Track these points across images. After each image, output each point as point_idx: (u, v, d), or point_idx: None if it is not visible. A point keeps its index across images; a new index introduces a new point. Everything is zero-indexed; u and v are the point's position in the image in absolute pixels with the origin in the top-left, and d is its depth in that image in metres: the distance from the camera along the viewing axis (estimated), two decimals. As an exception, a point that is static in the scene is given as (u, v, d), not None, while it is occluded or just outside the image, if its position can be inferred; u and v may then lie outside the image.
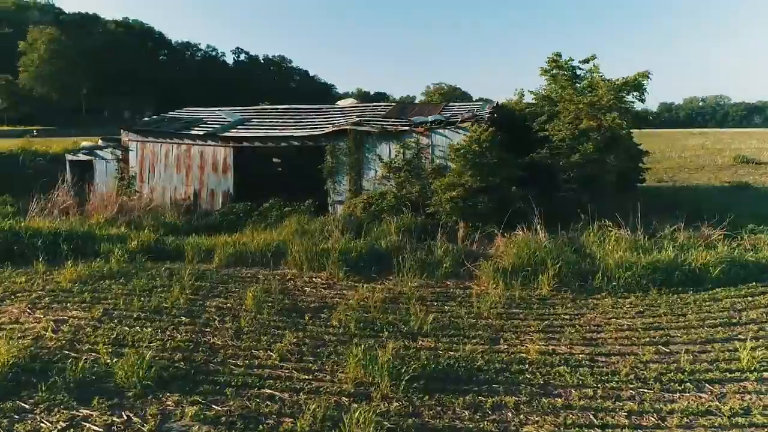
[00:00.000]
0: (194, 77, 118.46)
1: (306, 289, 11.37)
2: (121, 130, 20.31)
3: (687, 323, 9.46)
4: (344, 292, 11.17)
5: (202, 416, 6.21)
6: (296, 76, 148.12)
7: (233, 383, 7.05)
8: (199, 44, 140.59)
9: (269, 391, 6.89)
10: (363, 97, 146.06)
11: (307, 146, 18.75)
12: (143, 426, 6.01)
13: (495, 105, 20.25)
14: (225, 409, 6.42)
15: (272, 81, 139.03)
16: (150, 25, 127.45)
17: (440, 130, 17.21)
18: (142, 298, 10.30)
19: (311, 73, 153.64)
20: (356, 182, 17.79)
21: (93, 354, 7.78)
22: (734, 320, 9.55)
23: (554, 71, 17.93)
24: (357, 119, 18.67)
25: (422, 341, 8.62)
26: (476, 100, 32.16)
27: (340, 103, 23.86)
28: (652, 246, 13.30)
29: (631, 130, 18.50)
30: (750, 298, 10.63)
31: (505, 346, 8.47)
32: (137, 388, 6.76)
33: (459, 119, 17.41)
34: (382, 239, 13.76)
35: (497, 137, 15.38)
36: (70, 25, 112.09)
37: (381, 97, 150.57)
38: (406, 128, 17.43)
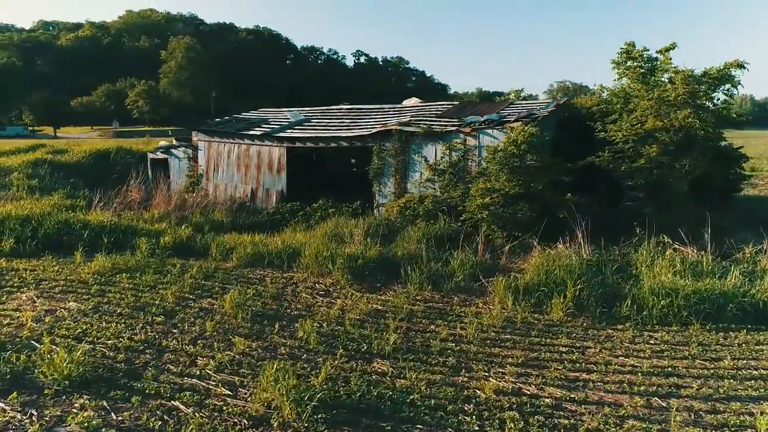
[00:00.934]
0: (315, 80, 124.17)
1: (302, 295, 10.98)
2: (192, 131, 21.55)
3: (712, 371, 7.61)
4: (337, 300, 10.61)
5: (87, 424, 6.05)
6: (413, 77, 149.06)
7: (147, 391, 6.85)
8: (322, 48, 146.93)
9: (176, 403, 6.57)
10: (482, 96, 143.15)
11: (357, 147, 18.40)
12: (30, 426, 5.99)
13: (559, 103, 18.36)
14: (119, 418, 6.22)
15: (389, 82, 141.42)
16: (278, 32, 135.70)
17: (489, 131, 15.92)
18: (137, 294, 10.61)
19: (428, 74, 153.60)
20: (401, 184, 17.09)
21: (50, 346, 8.04)
22: (780, 373, 7.51)
23: (628, 63, 15.73)
24: (406, 119, 17.95)
25: (376, 364, 7.82)
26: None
27: (406, 102, 23.18)
28: (715, 270, 11.08)
29: (723, 132, 15.74)
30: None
31: (464, 379, 7.38)
32: (56, 387, 6.81)
33: (512, 119, 15.97)
34: (400, 247, 12.97)
35: (541, 138, 13.84)
36: (208, 34, 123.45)
37: (498, 96, 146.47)
38: (453, 128, 16.37)
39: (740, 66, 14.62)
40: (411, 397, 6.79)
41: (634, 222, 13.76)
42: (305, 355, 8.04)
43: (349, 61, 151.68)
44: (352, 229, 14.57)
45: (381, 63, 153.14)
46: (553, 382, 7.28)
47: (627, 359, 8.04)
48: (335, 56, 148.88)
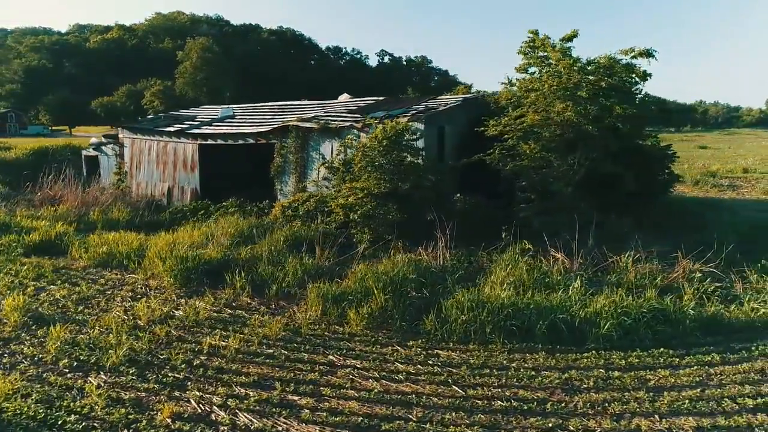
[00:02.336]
0: (338, 79, 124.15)
1: (116, 299, 10.33)
2: (119, 128, 21.29)
3: (458, 401, 6.54)
4: (140, 304, 9.85)
5: None
6: (435, 76, 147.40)
7: None
8: (345, 48, 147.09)
9: None
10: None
11: (265, 144, 17.67)
12: None
13: (468, 98, 17.19)
14: None
15: (411, 81, 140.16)
16: (301, 32, 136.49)
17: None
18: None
19: (451, 73, 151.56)
20: (300, 183, 16.28)
21: None
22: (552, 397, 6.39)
23: (531, 53, 14.45)
24: (313, 115, 17.12)
25: (93, 377, 7.07)
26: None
27: (340, 98, 22.33)
28: (563, 282, 9.86)
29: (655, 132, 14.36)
30: (631, 372, 7.17)
31: (163, 398, 6.54)
32: None
33: (405, 114, 14.94)
34: (246, 250, 12.17)
35: (423, 134, 12.82)
36: (231, 35, 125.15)
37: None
38: (347, 124, 15.44)
39: (648, 54, 13.19)
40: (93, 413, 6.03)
41: (526, 225, 12.63)
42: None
43: (373, 61, 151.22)
44: (223, 229, 13.87)
45: (404, 63, 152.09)
46: (256, 407, 6.37)
47: (376, 382, 7.02)
48: (358, 56, 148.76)
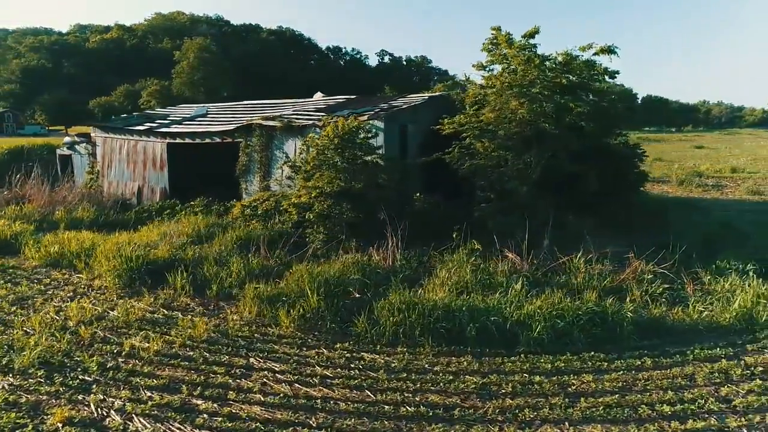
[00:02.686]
0: (338, 79, 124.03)
1: (54, 299, 10.16)
2: (91, 127, 21.14)
3: (353, 405, 6.32)
4: (72, 305, 9.69)
5: None
6: (435, 76, 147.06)
7: None
8: (345, 48, 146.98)
9: None
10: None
11: (233, 143, 17.47)
12: None
13: (434, 96, 16.96)
14: None
15: (411, 81, 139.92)
16: (300, 32, 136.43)
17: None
18: None
19: (451, 72, 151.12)
20: (264, 182, 16.08)
21: None
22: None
23: (494, 50, 14.20)
24: (275, 114, 16.93)
25: (-3, 380, 6.89)
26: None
27: (315, 96, 22.13)
28: (504, 284, 9.62)
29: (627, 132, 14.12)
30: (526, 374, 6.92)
31: (63, 402, 6.35)
32: None
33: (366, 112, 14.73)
34: (194, 249, 11.98)
35: (364, 133, 12.62)
36: (231, 35, 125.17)
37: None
38: (310, 123, 15.23)
39: (609, 51, 12.93)
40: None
41: (483, 225, 12.42)
42: None
43: (373, 61, 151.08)
44: (180, 229, 13.70)
45: (404, 62, 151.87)
46: (154, 411, 6.16)
47: (288, 386, 6.80)
48: (358, 56, 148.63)
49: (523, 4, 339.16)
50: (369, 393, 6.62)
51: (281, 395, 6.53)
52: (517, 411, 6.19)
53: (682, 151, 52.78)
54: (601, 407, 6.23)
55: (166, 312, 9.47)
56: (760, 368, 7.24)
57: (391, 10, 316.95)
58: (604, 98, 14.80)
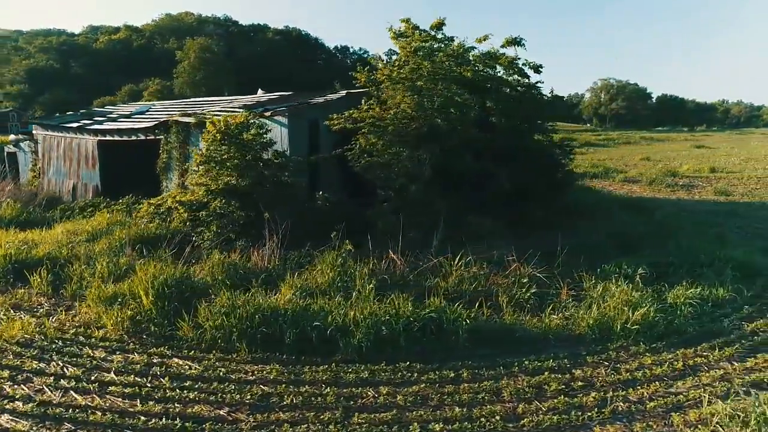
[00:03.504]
0: (344, 79, 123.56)
1: None
2: (33, 124, 21.08)
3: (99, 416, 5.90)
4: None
5: None
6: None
7: None
8: (352, 47, 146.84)
9: None
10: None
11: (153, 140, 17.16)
12: None
13: (350, 92, 16.48)
14: None
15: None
16: (307, 32, 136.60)
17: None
18: None
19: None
20: (181, 179, 15.76)
21: None
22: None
23: (402, 41, 13.72)
24: (204, 110, 16.60)
25: None
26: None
27: (258, 92, 21.76)
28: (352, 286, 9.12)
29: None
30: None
31: None
32: None
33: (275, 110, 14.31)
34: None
35: (255, 129, 12.20)
36: (237, 35, 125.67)
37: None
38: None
39: (515, 43, 12.35)
40: None
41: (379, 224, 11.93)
42: None
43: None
44: (81, 226, 13.46)
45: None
46: None
47: (50, 393, 6.41)
48: (366, 55, 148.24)
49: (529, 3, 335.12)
50: (138, 402, 6.20)
51: (39, 402, 6.13)
52: (275, 426, 5.71)
53: (679, 150, 51.32)
54: (367, 424, 5.72)
55: (8, 312, 9.15)
56: (581, 383, 6.67)
57: (400, 9, 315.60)
58: (525, 94, 14.22)
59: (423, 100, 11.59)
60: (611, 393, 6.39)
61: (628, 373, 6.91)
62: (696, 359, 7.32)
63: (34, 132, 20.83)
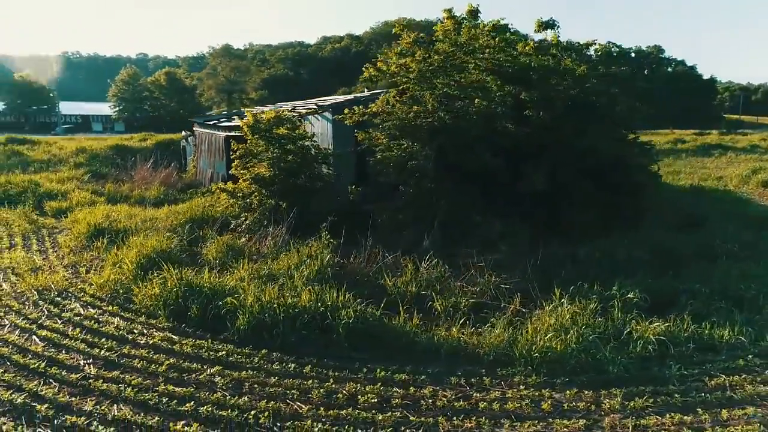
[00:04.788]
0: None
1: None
2: (194, 122, 25.30)
3: None
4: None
5: None
6: (668, 67, 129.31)
7: None
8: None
9: None
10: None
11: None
12: None
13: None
14: None
15: (637, 74, 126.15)
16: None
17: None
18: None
19: (688, 63, 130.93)
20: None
21: None
22: None
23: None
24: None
25: None
26: None
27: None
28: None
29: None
30: None
31: None
32: None
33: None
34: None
35: (289, 125, 13.11)
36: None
37: None
38: (305, 113, 16.05)
39: (548, 26, 11.03)
40: None
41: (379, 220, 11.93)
42: None
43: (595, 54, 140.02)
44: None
45: (633, 55, 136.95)
46: None
47: None
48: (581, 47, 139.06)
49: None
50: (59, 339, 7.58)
51: None
52: (120, 381, 6.47)
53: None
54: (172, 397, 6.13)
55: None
56: (409, 401, 6.05)
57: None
58: (578, 85, 12.58)
59: (427, 94, 11.14)
60: (424, 418, 5.68)
61: (466, 402, 6.01)
62: (579, 403, 5.96)
63: (194, 129, 25.19)
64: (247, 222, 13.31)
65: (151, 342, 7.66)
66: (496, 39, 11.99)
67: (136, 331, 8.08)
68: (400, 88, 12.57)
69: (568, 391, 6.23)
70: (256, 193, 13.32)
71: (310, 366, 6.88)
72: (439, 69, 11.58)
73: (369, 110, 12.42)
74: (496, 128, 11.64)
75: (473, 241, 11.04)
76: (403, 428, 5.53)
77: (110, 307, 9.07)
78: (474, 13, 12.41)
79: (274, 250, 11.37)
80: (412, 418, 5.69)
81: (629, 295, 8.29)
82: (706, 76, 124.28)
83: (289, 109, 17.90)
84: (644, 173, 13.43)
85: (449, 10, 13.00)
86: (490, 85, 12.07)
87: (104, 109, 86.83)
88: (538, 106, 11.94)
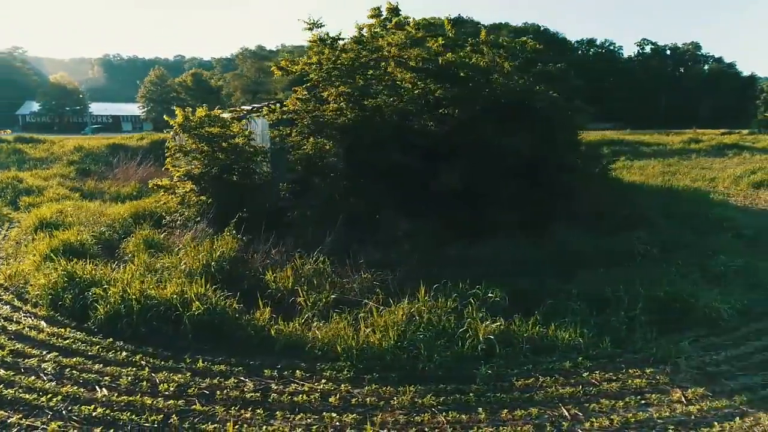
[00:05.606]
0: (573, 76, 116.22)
1: None
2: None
3: None
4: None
5: None
6: (705, 65, 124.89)
7: None
8: (598, 40, 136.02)
9: None
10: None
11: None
12: None
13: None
14: None
15: (670, 72, 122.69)
16: (546, 27, 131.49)
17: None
18: None
19: (726, 60, 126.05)
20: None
21: None
22: None
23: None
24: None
25: None
26: None
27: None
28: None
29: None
30: None
31: None
32: None
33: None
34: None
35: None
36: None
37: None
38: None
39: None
40: None
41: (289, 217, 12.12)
42: None
43: (630, 52, 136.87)
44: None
45: (668, 52, 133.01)
46: None
47: None
48: (611, 47, 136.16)
49: None
50: None
51: None
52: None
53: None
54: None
55: None
56: (195, 388, 6.18)
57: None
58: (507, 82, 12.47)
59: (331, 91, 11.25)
60: (208, 407, 5.81)
61: (260, 394, 6.10)
62: (370, 398, 5.99)
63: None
64: (182, 217, 13.68)
65: (15, 329, 7.99)
66: (403, 36, 11.96)
67: (14, 318, 8.47)
68: (308, 85, 12.65)
69: (367, 387, 6.24)
70: (188, 190, 13.66)
71: (141, 355, 7.10)
72: (349, 68, 11.63)
73: (285, 108, 12.58)
74: (412, 126, 11.61)
75: (383, 240, 11.11)
76: (181, 416, 5.65)
77: (7, 296, 9.52)
78: (394, 10, 12.39)
79: (192, 245, 11.68)
80: (195, 407, 5.82)
81: (489, 295, 8.19)
82: (746, 73, 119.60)
83: (248, 109, 18.23)
84: (579, 174, 13.12)
85: (376, 8, 13.04)
86: (402, 83, 12.05)
87: (135, 109, 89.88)
88: (456, 104, 11.86)
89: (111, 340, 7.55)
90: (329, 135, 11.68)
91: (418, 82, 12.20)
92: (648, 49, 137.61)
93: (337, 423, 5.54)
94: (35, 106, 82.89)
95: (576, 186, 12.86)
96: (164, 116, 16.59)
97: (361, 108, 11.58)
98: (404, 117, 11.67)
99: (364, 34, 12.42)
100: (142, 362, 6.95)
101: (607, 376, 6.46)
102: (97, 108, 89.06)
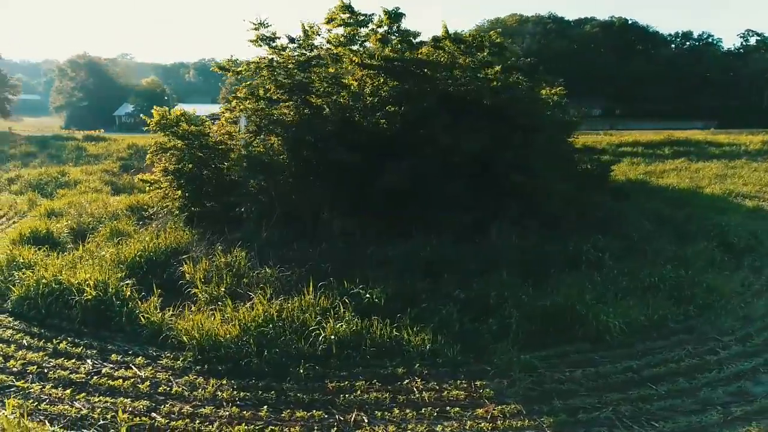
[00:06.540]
0: (664, 73, 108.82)
1: None
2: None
3: None
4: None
5: None
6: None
7: None
8: (695, 32, 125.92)
9: None
10: None
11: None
12: None
13: None
14: None
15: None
16: (634, 21, 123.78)
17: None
18: None
19: None
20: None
21: None
22: None
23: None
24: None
25: None
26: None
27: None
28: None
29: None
30: None
31: None
32: None
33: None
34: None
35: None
36: (551, 32, 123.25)
37: None
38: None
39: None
40: None
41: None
42: None
43: (730, 44, 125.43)
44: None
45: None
46: None
47: None
48: (710, 39, 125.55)
49: None
50: None
51: None
52: None
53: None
54: None
55: None
56: (33, 366, 6.62)
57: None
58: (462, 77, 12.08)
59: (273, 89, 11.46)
60: (27, 384, 6.22)
61: (87, 375, 6.43)
62: (180, 388, 6.13)
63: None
64: (164, 210, 14.49)
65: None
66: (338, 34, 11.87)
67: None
68: (248, 84, 12.82)
69: (187, 377, 6.37)
70: (167, 185, 14.40)
71: (23, 334, 7.66)
72: (284, 66, 11.72)
73: (231, 106, 12.95)
74: (356, 124, 11.55)
75: (321, 236, 11.19)
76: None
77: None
78: (346, 8, 12.28)
79: (155, 236, 12.37)
80: (20, 383, 6.22)
81: (367, 294, 8.02)
82: None
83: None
84: (540, 174, 12.31)
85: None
86: (347, 80, 11.95)
87: (216, 109, 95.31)
88: (404, 101, 11.64)
89: (11, 319, 8.21)
90: (276, 133, 11.88)
91: (366, 79, 12.06)
92: (753, 41, 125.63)
93: (130, 408, 5.71)
94: (129, 108, 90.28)
95: (533, 186, 12.04)
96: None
97: (306, 105, 11.64)
98: (347, 115, 11.59)
99: (308, 33, 12.35)
100: (20, 340, 7.49)
101: (430, 385, 6.15)
102: (186, 109, 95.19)
